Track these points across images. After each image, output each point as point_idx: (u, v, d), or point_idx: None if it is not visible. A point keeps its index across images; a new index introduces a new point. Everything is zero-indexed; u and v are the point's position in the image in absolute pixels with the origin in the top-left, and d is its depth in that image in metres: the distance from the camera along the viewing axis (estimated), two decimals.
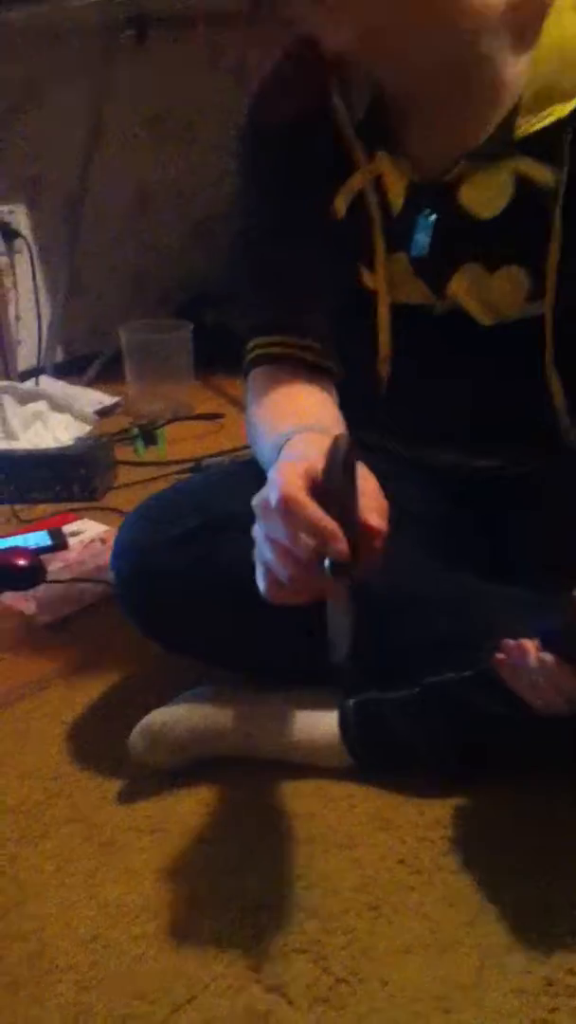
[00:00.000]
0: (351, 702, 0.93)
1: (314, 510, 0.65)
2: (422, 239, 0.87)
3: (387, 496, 0.72)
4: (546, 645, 0.76)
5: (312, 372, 0.92)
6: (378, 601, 0.90)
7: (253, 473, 1.01)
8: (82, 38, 2.13)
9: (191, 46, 2.34)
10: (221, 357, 2.19)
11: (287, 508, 0.65)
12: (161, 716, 0.96)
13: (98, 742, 1.02)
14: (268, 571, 0.68)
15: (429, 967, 0.75)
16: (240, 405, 2.09)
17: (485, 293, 0.87)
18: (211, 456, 1.78)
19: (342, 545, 0.64)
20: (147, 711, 0.97)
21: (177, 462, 1.78)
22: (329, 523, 0.65)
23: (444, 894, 0.81)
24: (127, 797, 0.94)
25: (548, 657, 0.76)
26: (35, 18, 1.89)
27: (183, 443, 1.88)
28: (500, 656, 0.79)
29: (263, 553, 0.68)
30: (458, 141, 0.84)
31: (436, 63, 0.80)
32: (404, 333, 0.93)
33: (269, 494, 0.67)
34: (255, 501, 0.69)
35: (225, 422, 1.99)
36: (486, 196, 0.84)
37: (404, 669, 0.91)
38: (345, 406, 0.91)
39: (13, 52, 2.05)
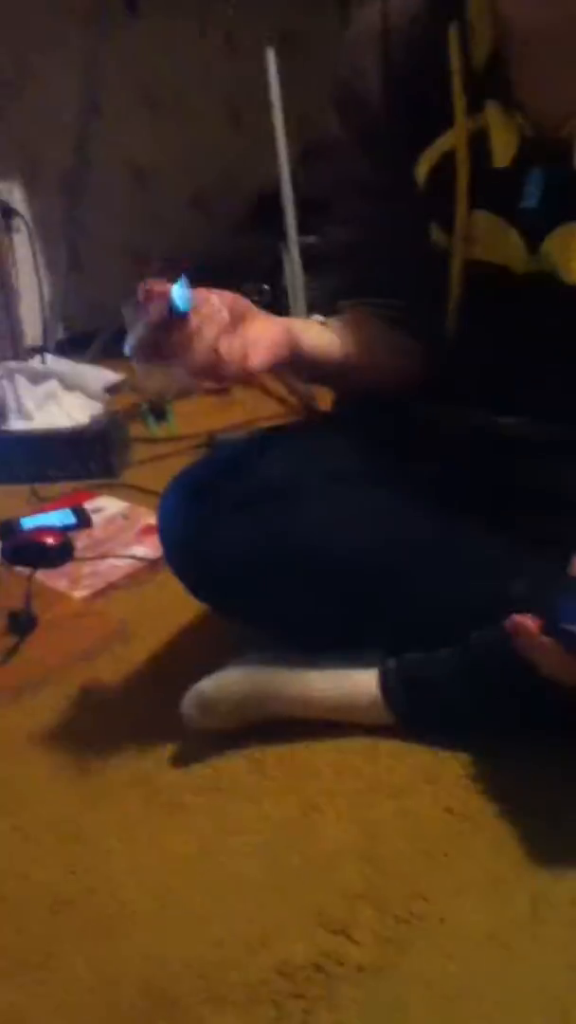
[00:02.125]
0: (393, 661, 0.97)
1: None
2: (533, 192, 0.87)
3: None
4: (547, 631, 0.79)
5: (392, 324, 0.98)
6: (412, 564, 0.95)
7: (282, 442, 1.06)
8: (73, 10, 2.13)
9: (181, 17, 2.34)
10: None
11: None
12: (212, 682, 1.00)
13: (150, 709, 1.06)
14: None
15: (484, 905, 0.80)
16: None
17: None
18: (223, 430, 1.81)
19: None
20: (194, 678, 1.01)
21: (189, 437, 1.81)
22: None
23: (492, 839, 0.86)
24: (182, 760, 0.99)
25: (548, 641, 0.79)
26: None
27: (193, 418, 1.91)
28: (510, 627, 0.81)
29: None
30: None
31: None
32: (478, 293, 0.93)
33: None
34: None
35: (234, 395, 2.02)
36: None
37: (441, 633, 0.95)
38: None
39: (3, 25, 2.05)
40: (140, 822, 0.92)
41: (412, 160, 0.91)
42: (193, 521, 0.96)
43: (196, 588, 1.00)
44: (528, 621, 0.80)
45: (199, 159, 2.50)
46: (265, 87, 1.87)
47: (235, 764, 0.98)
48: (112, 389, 2.07)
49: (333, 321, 0.99)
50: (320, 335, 0.96)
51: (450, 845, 0.86)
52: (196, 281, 2.49)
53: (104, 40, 2.18)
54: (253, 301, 2.53)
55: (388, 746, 0.97)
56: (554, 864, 0.83)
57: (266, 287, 2.24)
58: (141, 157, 2.42)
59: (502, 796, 0.91)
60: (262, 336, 0.85)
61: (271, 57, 1.86)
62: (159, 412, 1.93)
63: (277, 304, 2.14)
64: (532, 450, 0.96)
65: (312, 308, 1.91)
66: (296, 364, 0.92)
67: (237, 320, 0.84)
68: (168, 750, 1.00)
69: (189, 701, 1.00)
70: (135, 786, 0.97)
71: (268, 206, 2.01)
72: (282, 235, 1.93)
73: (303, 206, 1.93)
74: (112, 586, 1.35)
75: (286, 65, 1.88)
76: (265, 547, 0.93)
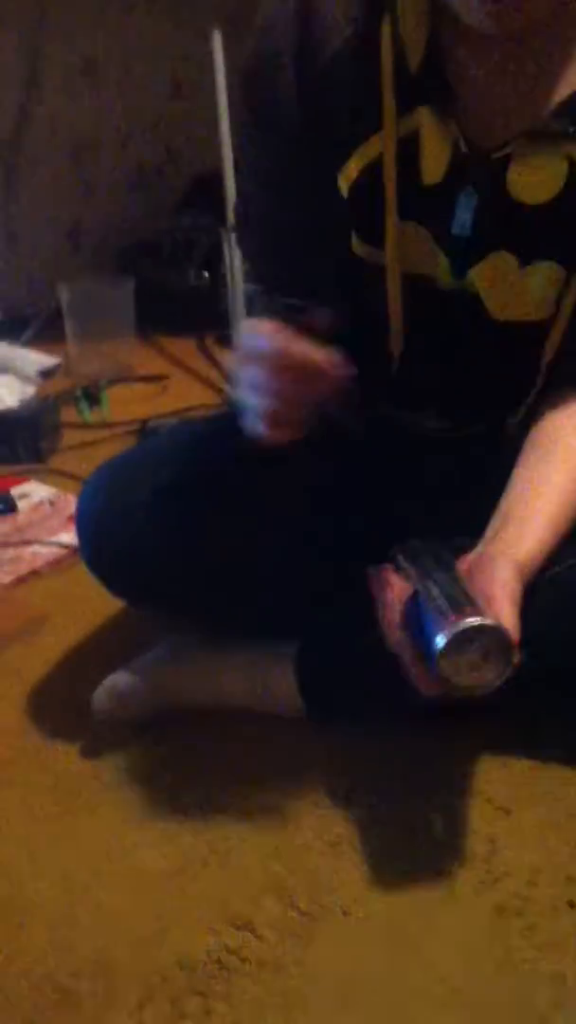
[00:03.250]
0: (306, 653, 0.97)
1: (302, 350, 0.69)
2: (464, 217, 0.80)
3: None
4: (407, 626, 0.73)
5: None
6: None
7: (208, 433, 1.05)
8: None
9: None
10: (161, 314, 2.20)
11: (281, 355, 0.70)
12: (124, 674, 0.99)
13: (62, 699, 1.05)
14: (259, 415, 0.72)
15: (387, 897, 0.81)
16: (181, 365, 2.11)
17: (510, 286, 0.82)
18: (155, 417, 1.79)
19: (339, 371, 0.69)
20: (109, 669, 1.00)
21: (122, 423, 1.79)
22: (319, 356, 0.69)
23: (400, 829, 0.87)
24: (92, 751, 0.97)
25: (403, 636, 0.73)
26: None
27: (127, 404, 1.89)
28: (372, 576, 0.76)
29: (251, 400, 0.72)
30: (519, 112, 0.77)
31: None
32: (405, 305, 0.87)
33: (255, 345, 0.71)
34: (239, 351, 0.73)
35: (169, 383, 2.00)
36: (537, 181, 0.77)
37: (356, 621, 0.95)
38: None
39: None
40: (48, 814, 0.91)
41: (328, 161, 0.82)
42: (108, 513, 0.94)
43: (107, 579, 0.98)
44: (398, 584, 0.74)
45: (140, 135, 2.45)
46: (211, 65, 1.84)
47: (145, 756, 0.96)
48: (46, 373, 2.03)
49: None
50: None
51: (356, 836, 0.86)
52: (134, 263, 2.39)
53: (46, 13, 2.12)
54: (191, 286, 2.45)
55: (297, 737, 0.97)
56: (457, 853, 0.84)
57: (206, 273, 2.22)
58: (81, 131, 2.37)
59: (410, 783, 0.91)
60: None
61: (217, 38, 1.83)
62: (93, 398, 1.90)
63: (216, 290, 2.11)
64: (447, 448, 0.96)
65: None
66: None
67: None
68: (78, 741, 0.99)
69: (100, 693, 0.98)
70: (43, 777, 0.95)
71: (210, 187, 1.98)
72: (222, 219, 1.89)
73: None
74: (34, 573, 1.33)
75: (234, 43, 1.85)
76: (176, 540, 0.91)
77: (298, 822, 0.88)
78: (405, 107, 0.78)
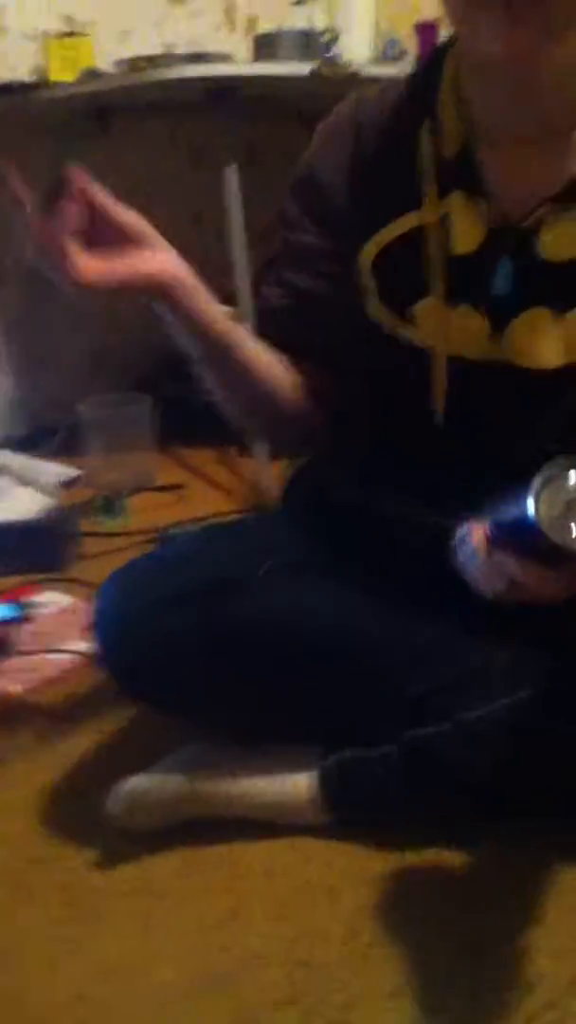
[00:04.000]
0: (331, 760, 0.95)
1: None
2: (504, 279, 0.87)
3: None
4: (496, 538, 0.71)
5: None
6: (351, 658, 0.94)
7: (228, 537, 1.06)
8: (47, 125, 2.22)
9: (151, 132, 2.44)
10: (181, 429, 2.25)
11: None
12: (140, 781, 0.97)
13: (77, 808, 1.02)
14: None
15: (415, 1011, 0.77)
16: (201, 475, 2.15)
17: (552, 336, 0.87)
18: (174, 525, 1.81)
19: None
20: (123, 776, 0.98)
21: (141, 532, 1.81)
22: None
23: (426, 937, 0.84)
24: (108, 861, 0.95)
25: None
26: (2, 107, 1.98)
27: (146, 513, 1.91)
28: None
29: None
30: (543, 183, 0.85)
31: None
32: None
33: None
34: None
35: (187, 492, 2.03)
36: (565, 240, 0.85)
37: (383, 726, 0.94)
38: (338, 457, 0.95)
39: None
40: (62, 927, 0.88)
41: (358, 239, 0.92)
42: (128, 614, 0.95)
43: (126, 682, 0.98)
44: (477, 527, 0.73)
45: None
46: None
47: (163, 865, 0.94)
48: (68, 484, 2.07)
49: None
50: (264, 352, 0.94)
51: (383, 949, 0.83)
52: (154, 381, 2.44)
53: (73, 151, 2.26)
54: (209, 401, 2.52)
55: (320, 845, 0.94)
56: (490, 963, 0.80)
57: None
58: None
59: (435, 891, 0.89)
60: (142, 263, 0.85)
61: (232, 175, 1.93)
62: (112, 507, 1.93)
63: None
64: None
65: None
66: (220, 362, 0.94)
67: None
68: (95, 851, 0.96)
69: (115, 799, 0.96)
70: (59, 890, 0.92)
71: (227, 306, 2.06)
72: None
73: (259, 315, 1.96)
74: (49, 682, 1.32)
75: (251, 180, 1.95)
76: (198, 641, 0.91)
77: (324, 934, 0.85)
78: (439, 192, 0.88)
